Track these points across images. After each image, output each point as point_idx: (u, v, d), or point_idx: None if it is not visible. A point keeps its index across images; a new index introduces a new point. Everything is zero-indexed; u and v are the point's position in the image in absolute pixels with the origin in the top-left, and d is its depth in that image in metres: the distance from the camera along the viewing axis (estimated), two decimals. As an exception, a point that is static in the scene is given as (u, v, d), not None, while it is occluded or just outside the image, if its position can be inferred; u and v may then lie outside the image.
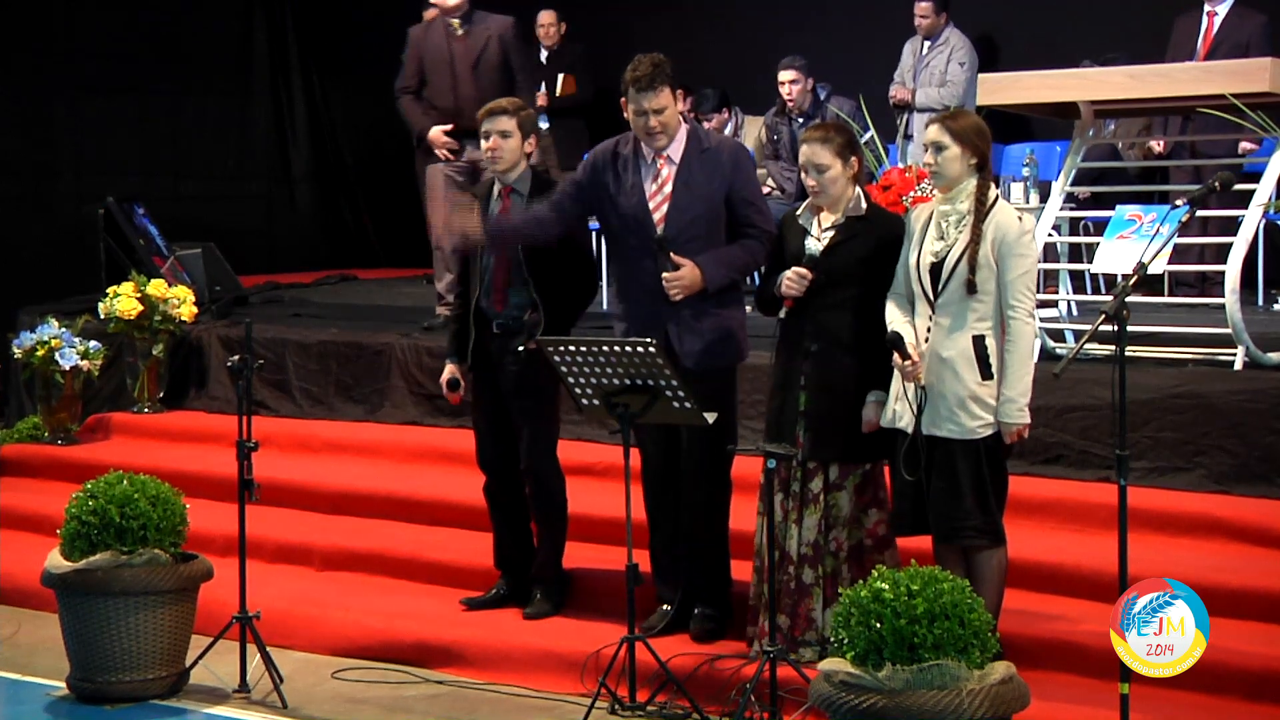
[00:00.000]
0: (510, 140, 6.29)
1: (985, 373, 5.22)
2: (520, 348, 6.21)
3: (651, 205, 5.89)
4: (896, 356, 5.29)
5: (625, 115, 5.95)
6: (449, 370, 6.54)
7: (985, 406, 5.21)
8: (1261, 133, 6.90)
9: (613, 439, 6.49)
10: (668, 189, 5.90)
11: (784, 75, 10.00)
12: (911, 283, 5.35)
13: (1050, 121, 8.21)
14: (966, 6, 10.55)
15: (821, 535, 5.61)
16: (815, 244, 5.63)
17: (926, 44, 10.32)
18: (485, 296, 6.35)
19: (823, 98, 10.03)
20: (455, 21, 8.85)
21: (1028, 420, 5.25)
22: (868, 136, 8.71)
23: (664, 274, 5.81)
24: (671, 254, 5.80)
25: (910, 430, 5.30)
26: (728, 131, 10.63)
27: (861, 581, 4.64)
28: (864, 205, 5.65)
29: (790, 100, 10.03)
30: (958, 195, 5.29)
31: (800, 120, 9.95)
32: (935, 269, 5.28)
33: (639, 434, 5.93)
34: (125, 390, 9.26)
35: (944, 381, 5.24)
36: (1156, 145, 9.30)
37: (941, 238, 5.29)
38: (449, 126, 8.73)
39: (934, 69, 10.22)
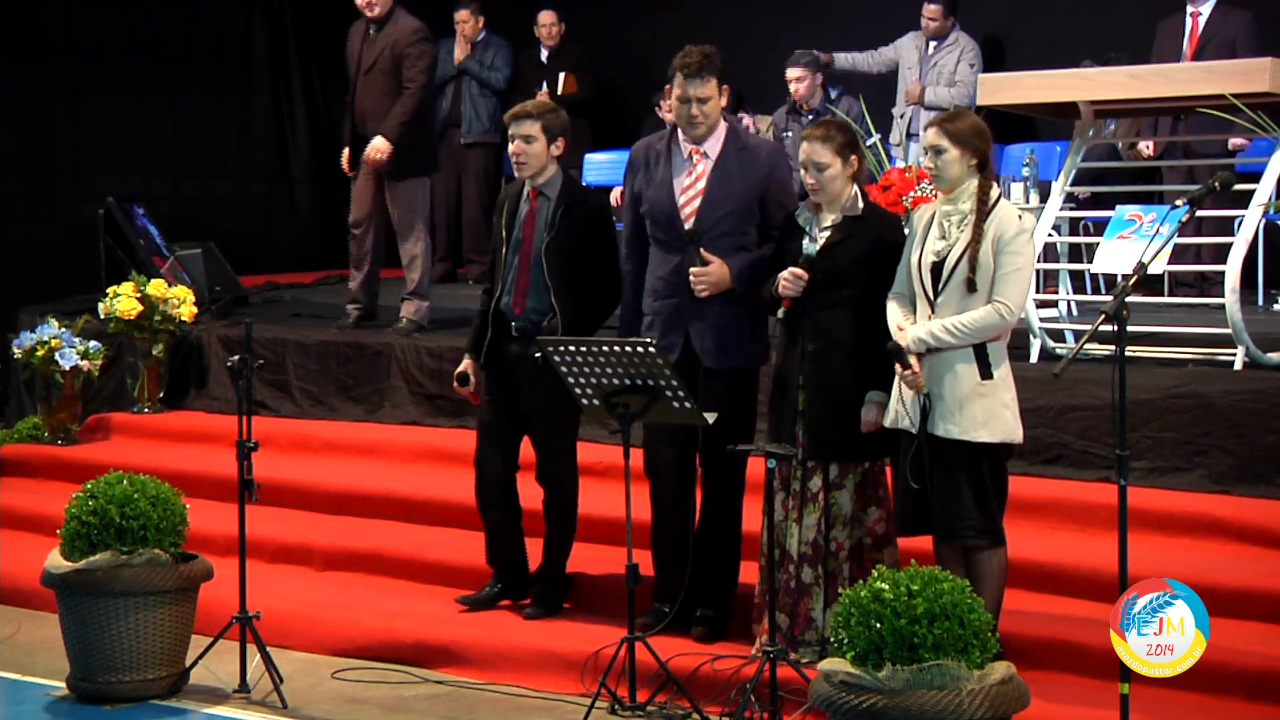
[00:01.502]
0: (535, 145, 6.25)
1: (985, 372, 5.22)
2: (538, 354, 6.19)
3: (681, 200, 5.90)
4: (898, 366, 5.29)
5: (669, 102, 5.93)
6: (465, 364, 6.53)
7: (985, 408, 5.20)
8: (1261, 133, 6.90)
9: (613, 439, 6.49)
10: (701, 184, 5.90)
11: (790, 73, 10.01)
12: (912, 282, 5.35)
13: (1050, 121, 8.21)
14: (973, 8, 10.56)
15: (821, 535, 5.62)
16: (811, 244, 5.63)
17: (933, 44, 10.32)
18: (505, 298, 6.34)
19: (833, 97, 10.03)
20: (372, 27, 9.02)
21: (910, 347, 5.21)
22: (872, 141, 8.74)
23: (691, 269, 5.81)
24: (702, 250, 5.80)
25: (914, 433, 5.29)
26: None
27: (861, 581, 4.65)
28: (860, 205, 5.65)
29: (797, 96, 10.03)
30: (960, 195, 5.29)
31: (810, 117, 9.94)
32: (936, 268, 5.28)
33: (656, 433, 5.92)
34: (125, 390, 9.25)
35: (944, 382, 5.24)
36: (1145, 149, 9.30)
37: (944, 237, 5.29)
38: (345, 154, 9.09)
39: (942, 69, 10.22)
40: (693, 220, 5.86)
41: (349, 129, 9.13)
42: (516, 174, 6.37)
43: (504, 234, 6.36)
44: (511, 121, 6.32)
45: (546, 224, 6.26)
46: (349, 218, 9.26)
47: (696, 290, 5.82)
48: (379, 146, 8.82)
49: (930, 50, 10.33)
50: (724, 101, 5.94)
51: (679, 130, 5.99)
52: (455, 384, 6.58)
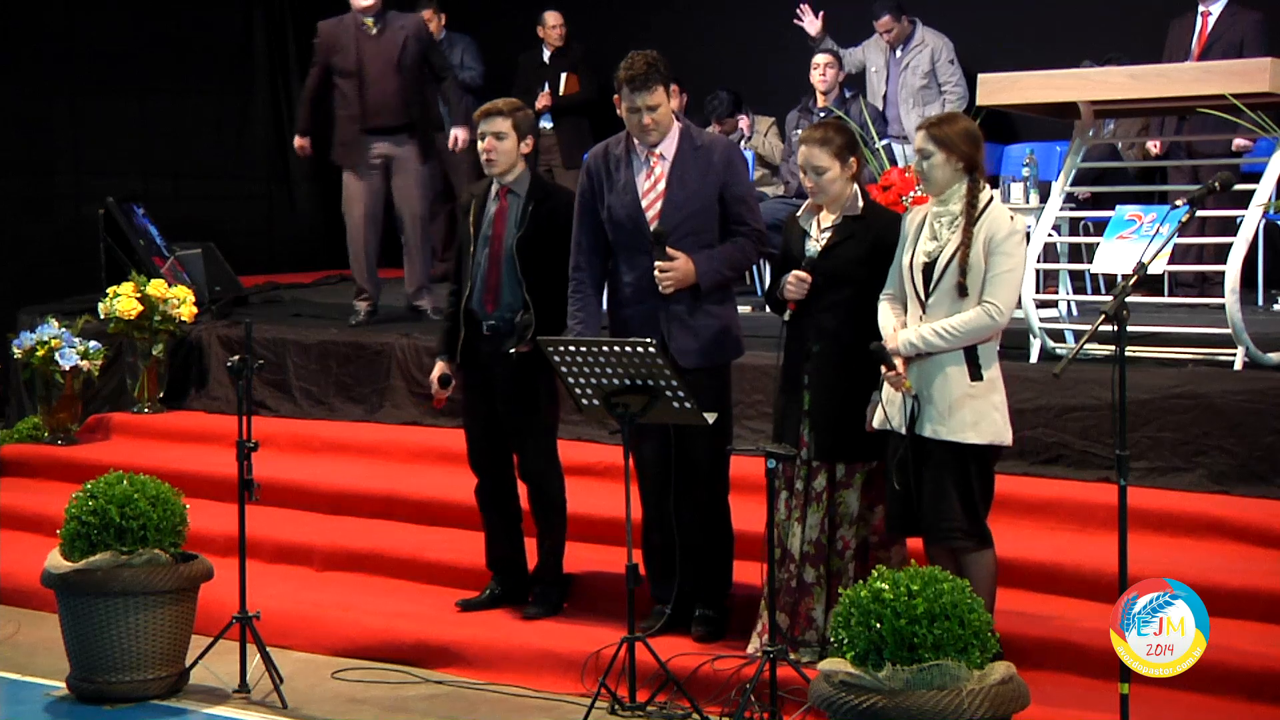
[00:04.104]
0: (505, 142, 6.27)
1: (975, 374, 5.20)
2: (512, 350, 6.19)
3: (645, 203, 5.91)
4: (883, 367, 5.29)
5: (619, 111, 5.95)
6: (439, 368, 6.53)
7: (974, 409, 5.19)
8: (1261, 133, 6.90)
9: (613, 439, 6.49)
10: (661, 186, 5.91)
11: (818, 59, 10.04)
12: (904, 283, 5.35)
13: (1050, 121, 8.21)
14: (968, 8, 10.56)
15: (825, 534, 5.62)
16: (813, 246, 5.64)
17: (899, 49, 10.35)
18: (476, 296, 6.34)
19: (848, 97, 10.03)
20: (369, 20, 9.06)
21: (900, 350, 5.22)
22: (884, 143, 8.77)
23: (656, 263, 5.82)
24: (667, 248, 5.81)
25: (903, 433, 5.29)
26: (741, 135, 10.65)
27: (861, 581, 4.65)
28: (860, 205, 5.65)
29: (822, 85, 10.02)
30: (950, 197, 5.29)
31: (823, 115, 9.94)
32: (927, 269, 5.27)
33: (636, 432, 5.93)
34: (125, 390, 9.26)
35: (934, 384, 5.22)
36: (1153, 147, 9.31)
37: (935, 238, 5.29)
38: (305, 142, 9.23)
39: (915, 68, 10.25)
40: (656, 222, 5.87)
41: (357, 124, 9.10)
42: (486, 171, 6.36)
43: (472, 232, 6.36)
44: (482, 119, 6.32)
45: (517, 221, 6.27)
46: (350, 215, 9.28)
47: (661, 286, 5.82)
48: (466, 136, 9.08)
49: (898, 54, 10.36)
50: (674, 104, 5.95)
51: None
52: (436, 387, 6.56)
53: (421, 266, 9.37)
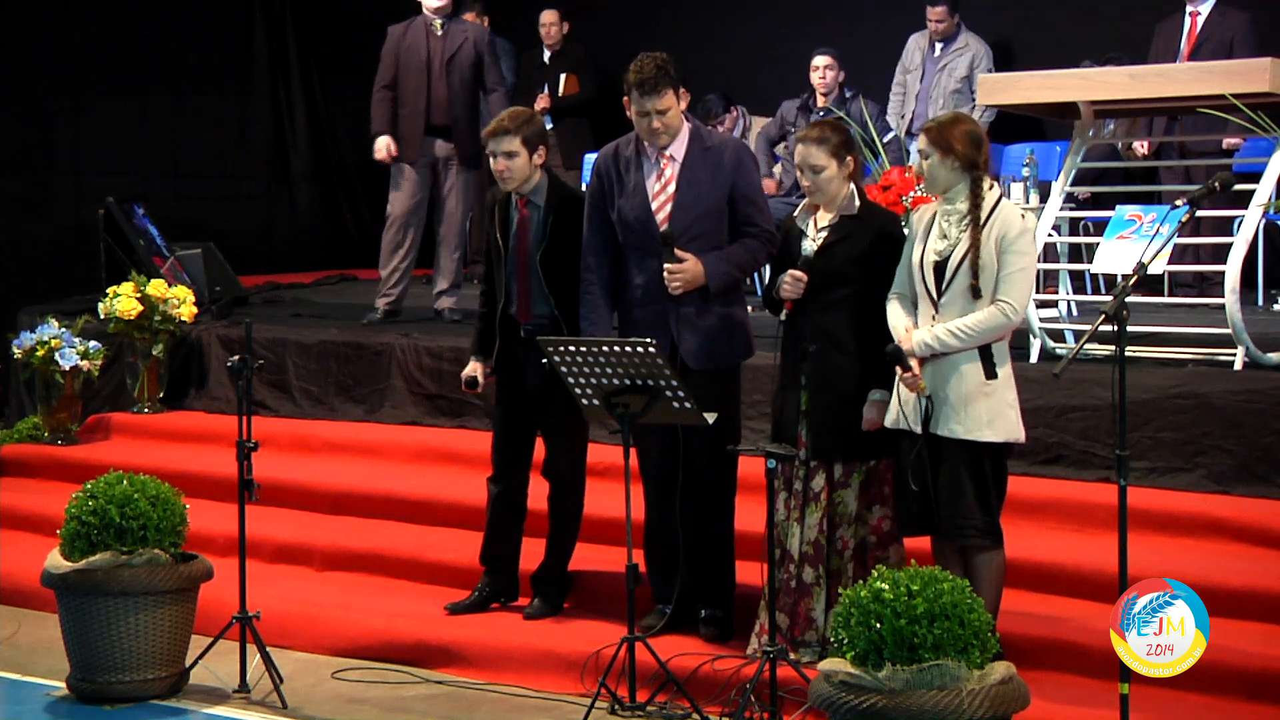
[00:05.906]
0: (517, 160, 6.24)
1: (990, 372, 5.21)
2: (545, 361, 6.19)
3: (655, 205, 5.90)
4: (898, 369, 5.30)
5: (628, 114, 5.95)
6: (471, 367, 6.53)
7: (989, 407, 5.20)
8: (1260, 133, 6.90)
9: (613, 439, 6.49)
10: (671, 188, 5.90)
11: (818, 61, 10.02)
12: (915, 282, 5.35)
13: (1050, 121, 8.22)
14: (979, 11, 10.58)
15: (824, 534, 5.62)
16: (810, 245, 5.64)
17: (940, 46, 10.34)
18: (511, 304, 6.35)
19: (849, 96, 10.03)
20: (438, 22, 9.27)
21: (915, 351, 5.23)
22: (889, 137, 8.72)
23: (665, 265, 5.82)
24: (676, 250, 5.81)
25: (917, 433, 5.29)
26: (736, 132, 10.63)
27: (861, 581, 4.65)
28: (857, 204, 5.66)
29: (823, 85, 10.01)
30: (955, 196, 5.30)
31: (823, 114, 9.94)
32: (939, 268, 5.28)
33: (641, 432, 5.94)
34: (125, 390, 9.25)
35: (948, 382, 5.23)
36: (1141, 148, 9.31)
37: (944, 236, 5.29)
38: (390, 142, 9.18)
39: (952, 70, 10.24)
40: (666, 224, 5.87)
41: (419, 121, 9.17)
42: (503, 187, 6.36)
43: (499, 241, 6.37)
44: (490, 139, 6.29)
45: (539, 233, 6.26)
46: (395, 207, 9.35)
47: (671, 288, 5.82)
48: None
49: (937, 52, 10.34)
50: (683, 105, 5.94)
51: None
52: (463, 387, 6.59)
53: (449, 266, 9.40)
